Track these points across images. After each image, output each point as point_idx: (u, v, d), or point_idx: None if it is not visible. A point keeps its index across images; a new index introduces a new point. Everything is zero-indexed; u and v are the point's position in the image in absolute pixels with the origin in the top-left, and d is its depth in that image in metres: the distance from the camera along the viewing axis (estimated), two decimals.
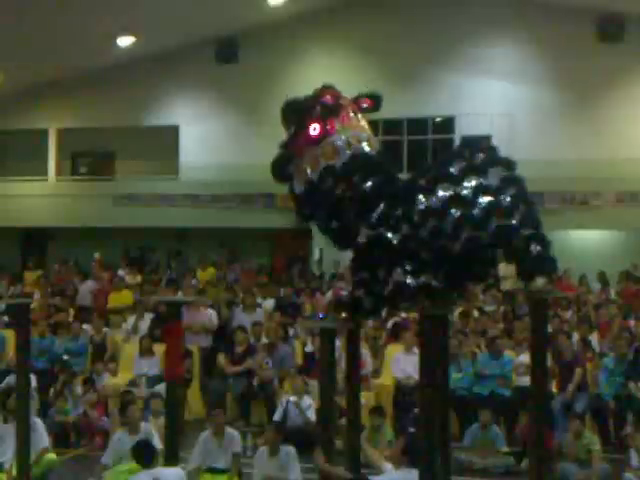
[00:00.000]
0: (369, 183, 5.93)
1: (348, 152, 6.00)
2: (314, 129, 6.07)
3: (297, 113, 6.21)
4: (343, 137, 6.04)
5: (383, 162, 6.24)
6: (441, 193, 5.75)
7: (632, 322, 13.38)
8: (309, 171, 6.05)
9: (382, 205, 5.86)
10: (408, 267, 5.71)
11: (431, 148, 22.03)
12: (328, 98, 6.19)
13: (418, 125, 22.21)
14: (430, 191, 5.78)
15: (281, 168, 6.25)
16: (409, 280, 5.67)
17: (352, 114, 6.24)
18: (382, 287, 5.84)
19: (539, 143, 20.17)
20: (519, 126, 20.47)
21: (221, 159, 22.42)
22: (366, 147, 6.13)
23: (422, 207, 5.74)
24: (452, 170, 5.84)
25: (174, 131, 23.49)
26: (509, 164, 5.96)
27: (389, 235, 5.77)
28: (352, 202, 5.93)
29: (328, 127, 6.06)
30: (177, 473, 7.36)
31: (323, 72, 22.43)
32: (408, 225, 5.75)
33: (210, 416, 9.00)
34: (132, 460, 8.54)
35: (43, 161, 24.43)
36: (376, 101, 6.42)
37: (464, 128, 21.24)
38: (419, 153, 21.73)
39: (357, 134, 6.14)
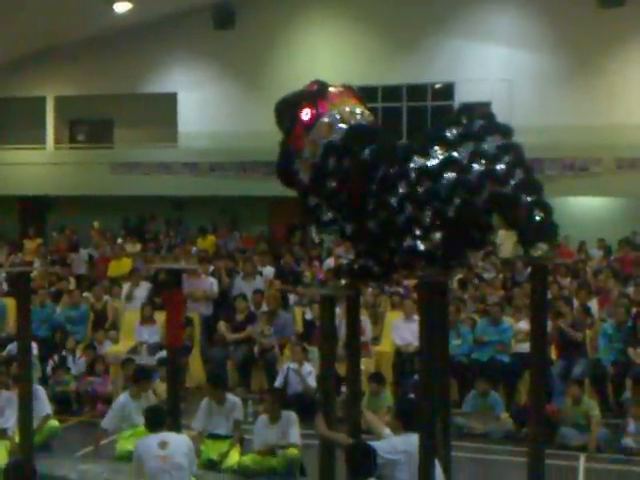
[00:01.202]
0: (368, 150, 5.95)
1: (343, 126, 6.04)
2: (306, 114, 6.14)
3: (289, 107, 6.24)
4: (335, 113, 6.08)
5: (379, 130, 6.26)
6: (436, 156, 5.79)
7: (631, 289, 13.39)
8: (311, 156, 6.08)
9: (381, 169, 5.88)
10: (417, 232, 5.73)
11: (430, 114, 21.94)
12: (314, 85, 6.27)
13: (417, 91, 22.10)
14: (426, 153, 5.81)
15: (286, 166, 6.26)
16: (420, 245, 5.70)
17: (341, 93, 6.30)
18: (390, 254, 5.88)
19: (539, 109, 20.09)
20: (519, 92, 20.36)
21: (219, 126, 22.35)
22: (360, 119, 6.17)
23: (417, 166, 5.78)
24: (448, 135, 5.86)
25: (172, 98, 23.38)
26: (506, 131, 5.95)
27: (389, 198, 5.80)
28: (354, 172, 5.95)
29: (319, 109, 6.11)
30: (184, 439, 7.41)
31: (321, 37, 22.42)
32: (405, 183, 5.78)
33: (208, 391, 9.00)
34: (133, 425, 8.66)
35: (41, 129, 24.34)
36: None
37: (463, 94, 21.12)
38: (418, 119, 21.64)
39: (349, 108, 6.20)
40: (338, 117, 6.11)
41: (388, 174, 5.86)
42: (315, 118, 6.11)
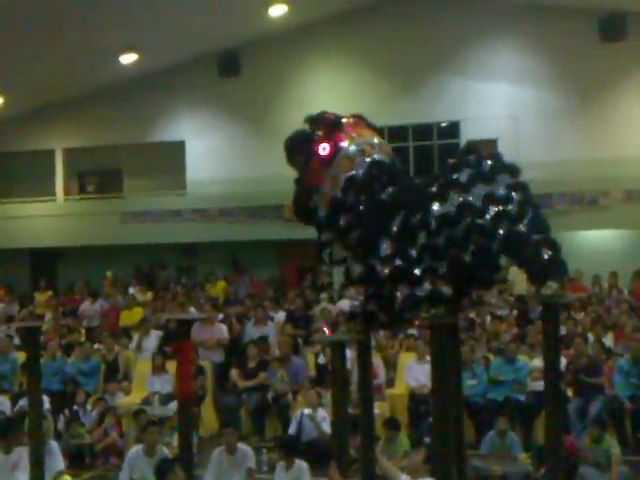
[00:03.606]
0: (389, 191, 5.82)
1: (364, 160, 5.90)
2: (324, 149, 5.98)
3: (302, 143, 6.10)
4: (354, 146, 5.95)
5: (399, 168, 6.16)
6: (452, 200, 5.71)
7: None
8: (331, 191, 5.94)
9: (401, 214, 5.75)
10: (417, 274, 5.66)
11: (437, 153, 21.98)
12: (327, 116, 6.14)
13: (423, 131, 22.17)
14: (443, 199, 5.72)
15: (304, 204, 6.12)
16: (417, 291, 5.62)
17: (355, 124, 6.19)
18: (391, 301, 5.79)
19: (545, 145, 20.11)
20: (525, 128, 20.40)
21: (228, 172, 22.41)
22: (379, 153, 6.04)
23: (436, 214, 5.66)
24: (461, 178, 5.80)
25: (180, 146, 23.52)
26: (514, 170, 5.93)
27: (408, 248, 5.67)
28: (372, 212, 5.81)
29: (337, 142, 5.97)
30: None
31: (326, 82, 22.56)
32: (425, 233, 5.67)
33: (222, 434, 8.94)
34: (148, 479, 8.55)
35: (50, 181, 24.47)
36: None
37: (469, 132, 21.19)
38: (425, 158, 21.70)
39: (367, 140, 6.06)
40: (358, 150, 5.96)
41: (409, 222, 5.73)
42: (334, 153, 5.96)
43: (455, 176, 5.87)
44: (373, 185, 5.83)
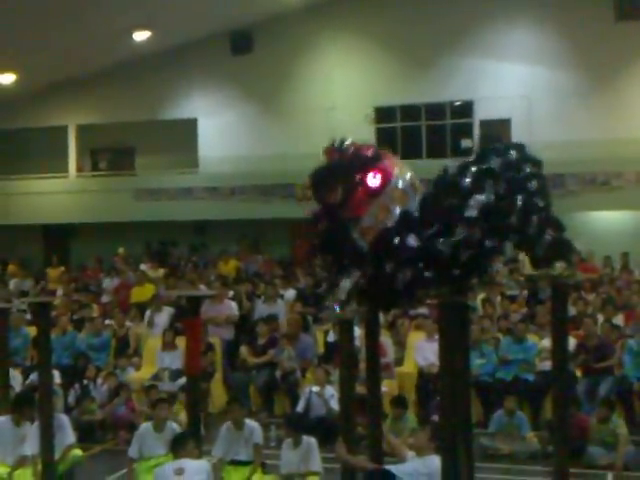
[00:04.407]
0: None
1: (415, 195, 5.57)
2: (374, 177, 5.57)
3: (340, 174, 5.66)
4: (405, 179, 5.63)
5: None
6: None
7: None
8: (378, 222, 5.51)
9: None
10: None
11: (450, 132, 21.91)
12: (365, 147, 5.77)
13: (436, 110, 22.09)
14: (481, 189, 5.48)
15: (341, 237, 5.61)
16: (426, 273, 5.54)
17: (390, 156, 5.95)
18: (397, 281, 5.71)
19: (558, 125, 20.01)
20: (538, 108, 20.29)
21: (239, 150, 22.44)
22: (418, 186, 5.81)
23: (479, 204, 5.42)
24: (495, 167, 5.68)
25: (192, 124, 23.54)
26: (537, 162, 5.87)
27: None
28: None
29: (387, 171, 5.60)
30: (201, 465, 7.39)
31: (338, 60, 22.49)
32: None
33: (228, 410, 9.00)
34: (156, 454, 8.64)
35: (63, 158, 24.56)
36: None
37: (482, 112, 21.13)
38: (437, 138, 21.65)
39: (411, 174, 5.85)
40: (409, 184, 5.61)
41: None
42: (384, 183, 5.56)
43: (486, 166, 5.72)
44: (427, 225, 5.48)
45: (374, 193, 5.57)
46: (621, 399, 10.92)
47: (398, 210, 5.50)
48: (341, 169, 5.71)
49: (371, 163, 5.62)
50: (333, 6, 22.08)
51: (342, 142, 5.84)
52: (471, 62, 21.38)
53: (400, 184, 5.56)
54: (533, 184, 5.67)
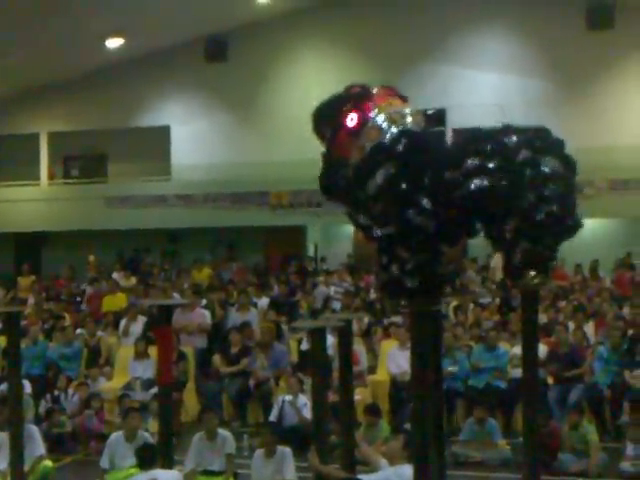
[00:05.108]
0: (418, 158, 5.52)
1: (393, 129, 5.53)
2: (351, 119, 5.62)
3: (328, 114, 5.78)
4: (383, 116, 5.62)
5: (436, 138, 5.88)
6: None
7: (626, 310, 13.34)
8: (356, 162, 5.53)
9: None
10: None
11: None
12: (355, 88, 5.91)
13: None
14: (489, 158, 5.44)
15: (330, 179, 5.71)
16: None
17: (385, 94, 5.95)
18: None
19: None
20: (510, 116, 20.36)
21: (213, 158, 22.39)
22: (411, 123, 5.80)
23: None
24: (509, 142, 5.65)
25: (165, 131, 23.45)
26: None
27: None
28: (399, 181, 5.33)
29: (365, 112, 5.60)
30: (174, 475, 7.34)
31: (312, 68, 22.52)
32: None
33: (202, 419, 8.95)
34: (127, 465, 8.57)
35: (35, 165, 24.36)
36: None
37: (455, 120, 21.22)
38: None
39: (397, 110, 5.83)
40: (387, 120, 5.56)
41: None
42: (361, 123, 5.60)
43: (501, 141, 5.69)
44: (400, 150, 5.45)
45: (353, 133, 5.58)
46: (591, 406, 10.99)
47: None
48: (328, 110, 5.77)
49: (354, 102, 5.65)
50: (308, 14, 22.13)
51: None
52: (444, 70, 21.51)
53: (376, 122, 5.55)
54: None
